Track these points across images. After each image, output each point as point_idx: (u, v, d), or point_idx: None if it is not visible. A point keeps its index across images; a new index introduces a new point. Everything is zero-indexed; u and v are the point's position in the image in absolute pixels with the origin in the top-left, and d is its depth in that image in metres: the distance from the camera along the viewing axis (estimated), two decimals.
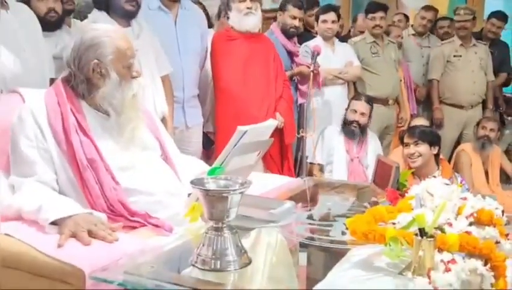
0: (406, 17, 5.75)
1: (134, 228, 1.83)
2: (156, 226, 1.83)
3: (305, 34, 4.61)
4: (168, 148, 2.14)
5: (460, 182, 3.57)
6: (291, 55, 4.12)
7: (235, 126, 1.89)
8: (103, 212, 1.81)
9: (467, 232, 1.40)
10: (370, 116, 4.17)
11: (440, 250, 1.32)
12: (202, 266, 1.49)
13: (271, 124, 2.26)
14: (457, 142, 5.04)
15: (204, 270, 1.48)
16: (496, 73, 5.25)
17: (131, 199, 1.87)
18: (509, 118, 5.83)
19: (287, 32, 4.09)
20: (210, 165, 1.91)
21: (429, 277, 1.25)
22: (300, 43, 4.34)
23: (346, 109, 4.17)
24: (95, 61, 1.89)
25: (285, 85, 3.77)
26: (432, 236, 1.31)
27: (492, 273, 1.31)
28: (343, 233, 1.74)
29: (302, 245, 1.76)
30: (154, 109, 2.88)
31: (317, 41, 4.28)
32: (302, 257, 1.75)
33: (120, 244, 1.66)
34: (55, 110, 1.90)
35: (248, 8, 3.54)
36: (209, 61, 3.67)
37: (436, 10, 5.51)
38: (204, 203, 1.50)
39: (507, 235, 1.49)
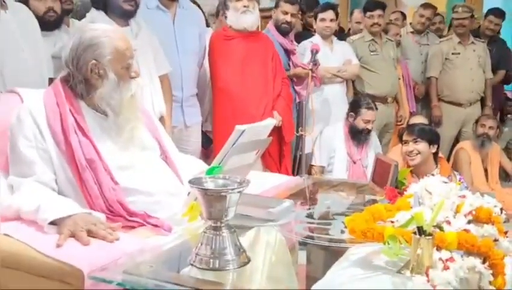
0: (403, 15, 5.75)
1: (133, 227, 1.83)
2: (155, 225, 1.83)
3: (305, 33, 4.60)
4: (167, 147, 2.14)
5: (459, 180, 3.57)
6: (288, 53, 4.09)
7: (233, 125, 1.89)
8: (102, 212, 1.81)
9: (465, 230, 1.40)
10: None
11: (438, 248, 1.32)
12: (201, 266, 1.49)
13: (269, 123, 2.26)
14: (456, 140, 5.04)
15: (203, 269, 1.48)
16: (494, 70, 5.25)
17: (130, 198, 1.87)
18: (509, 115, 5.83)
19: (279, 29, 4.04)
20: (209, 164, 1.91)
21: (427, 275, 1.25)
22: (300, 43, 4.33)
23: (352, 115, 4.06)
24: (93, 61, 1.89)
25: (284, 83, 3.76)
26: (430, 234, 1.31)
27: (491, 271, 1.30)
28: (342, 232, 1.75)
29: (301, 244, 1.77)
30: (152, 108, 2.88)
31: (315, 40, 4.26)
32: (301, 255, 1.75)
33: (119, 244, 1.66)
34: (54, 110, 1.89)
35: (245, 6, 3.54)
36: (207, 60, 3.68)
37: (434, 8, 5.49)
38: (203, 202, 1.50)
39: (506, 233, 1.49)
